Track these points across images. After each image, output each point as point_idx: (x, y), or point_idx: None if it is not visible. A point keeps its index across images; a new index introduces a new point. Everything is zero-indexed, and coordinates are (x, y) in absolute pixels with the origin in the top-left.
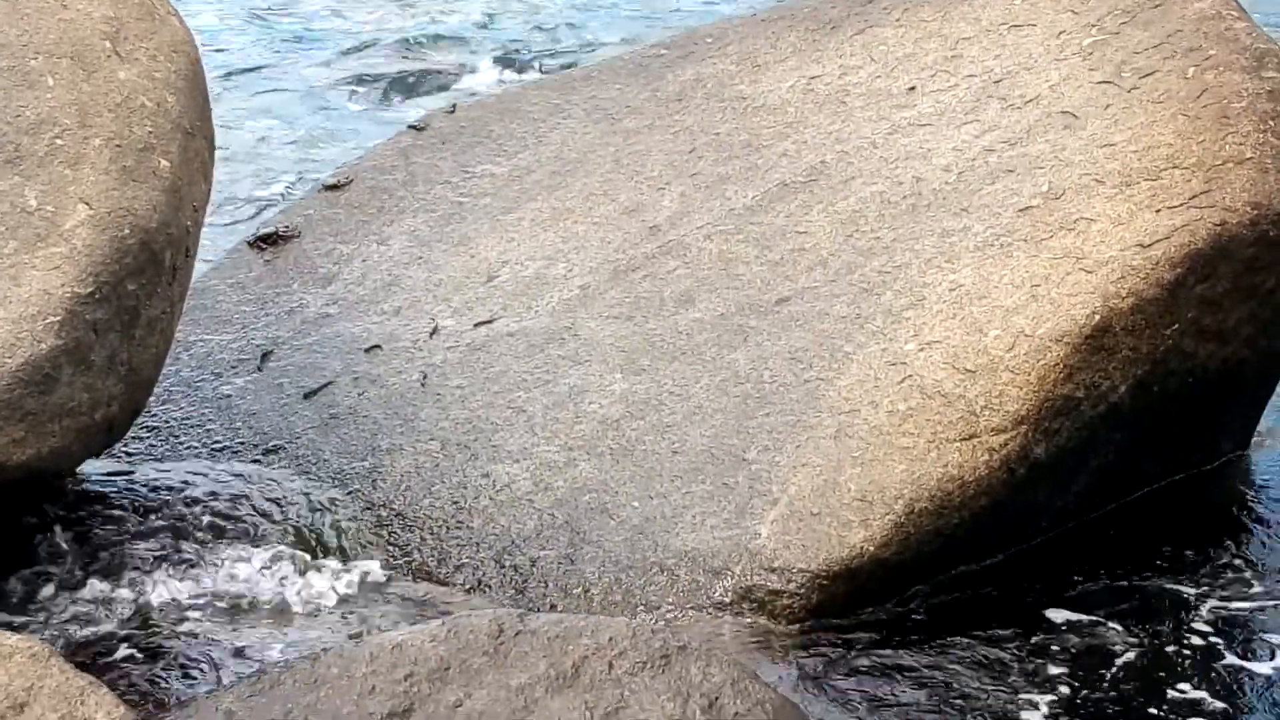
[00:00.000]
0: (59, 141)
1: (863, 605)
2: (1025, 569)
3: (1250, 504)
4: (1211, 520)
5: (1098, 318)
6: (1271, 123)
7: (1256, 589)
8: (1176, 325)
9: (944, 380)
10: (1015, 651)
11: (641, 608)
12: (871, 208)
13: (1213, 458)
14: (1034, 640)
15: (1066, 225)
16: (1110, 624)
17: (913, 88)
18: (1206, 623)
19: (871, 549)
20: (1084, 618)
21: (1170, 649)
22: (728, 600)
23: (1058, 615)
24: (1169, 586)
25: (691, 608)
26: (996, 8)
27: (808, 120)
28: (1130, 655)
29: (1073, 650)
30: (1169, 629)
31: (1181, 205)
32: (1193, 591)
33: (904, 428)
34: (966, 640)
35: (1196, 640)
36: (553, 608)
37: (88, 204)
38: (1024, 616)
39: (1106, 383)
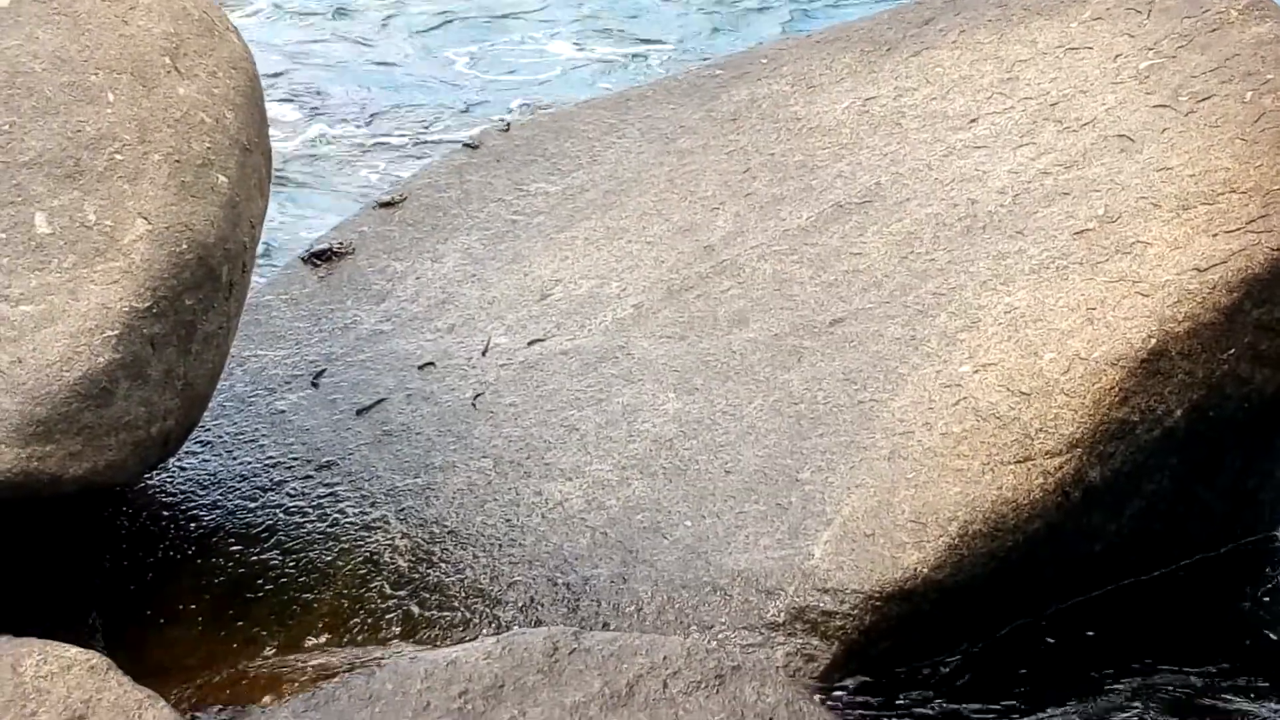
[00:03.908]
0: (118, 157)
1: (917, 629)
2: (1087, 618)
3: None
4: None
5: (1154, 342)
6: None
7: None
8: (1232, 350)
9: (999, 403)
10: (1073, 703)
11: (695, 627)
12: (926, 230)
13: (1267, 484)
14: (1090, 691)
15: (1123, 249)
16: (1177, 686)
17: (969, 111)
18: None
19: (925, 570)
20: (1150, 672)
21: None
22: (781, 620)
23: (1120, 670)
24: (1230, 644)
25: (744, 627)
26: (1053, 31)
27: (863, 142)
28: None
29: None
30: (1238, 685)
31: (1239, 230)
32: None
33: (958, 450)
34: (1023, 686)
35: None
36: (605, 626)
37: (146, 219)
38: (1084, 668)
39: (1162, 407)
